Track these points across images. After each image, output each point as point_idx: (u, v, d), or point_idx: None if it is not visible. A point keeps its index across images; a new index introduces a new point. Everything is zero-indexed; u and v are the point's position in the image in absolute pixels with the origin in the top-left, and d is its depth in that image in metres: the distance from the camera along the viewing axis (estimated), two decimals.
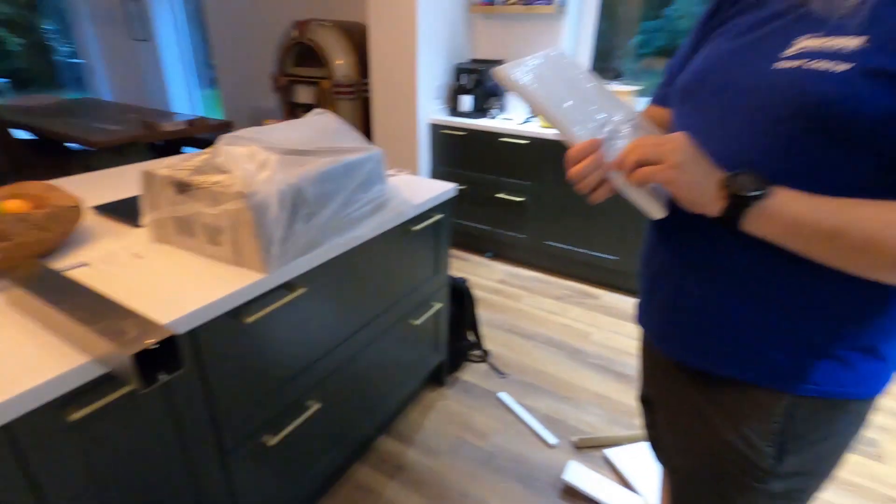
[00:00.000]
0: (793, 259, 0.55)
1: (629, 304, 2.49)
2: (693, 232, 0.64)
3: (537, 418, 1.72)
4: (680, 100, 0.68)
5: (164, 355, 0.66)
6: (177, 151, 3.50)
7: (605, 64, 2.86)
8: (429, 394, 1.84)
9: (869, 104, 0.48)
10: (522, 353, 2.08)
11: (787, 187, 0.52)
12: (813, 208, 0.50)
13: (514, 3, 2.64)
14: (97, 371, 0.70)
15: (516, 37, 2.85)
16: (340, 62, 2.96)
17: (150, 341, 0.63)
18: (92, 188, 1.40)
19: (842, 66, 0.49)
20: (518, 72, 0.66)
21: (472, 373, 1.96)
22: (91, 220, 1.17)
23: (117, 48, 5.09)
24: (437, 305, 1.64)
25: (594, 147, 0.60)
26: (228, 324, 0.91)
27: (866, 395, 0.62)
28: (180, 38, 4.90)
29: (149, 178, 0.99)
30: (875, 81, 0.47)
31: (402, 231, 1.35)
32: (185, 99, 5.12)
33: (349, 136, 1.19)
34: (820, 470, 0.66)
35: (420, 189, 1.45)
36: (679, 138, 0.56)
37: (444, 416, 1.73)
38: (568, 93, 0.67)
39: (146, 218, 1.04)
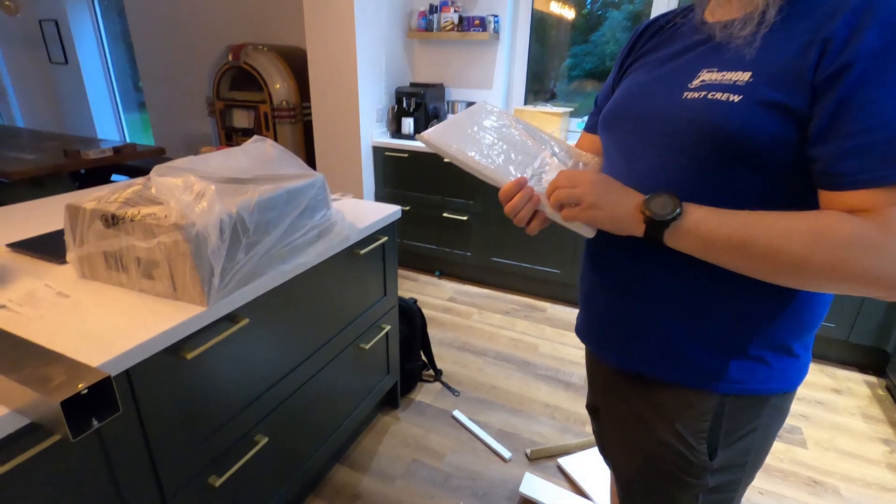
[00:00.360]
0: (708, 272, 0.61)
1: (573, 314, 2.58)
2: (616, 254, 0.70)
3: (491, 434, 1.74)
4: (605, 128, 0.74)
5: (97, 399, 0.63)
6: (104, 181, 3.30)
7: (541, 86, 3.00)
8: (383, 418, 1.82)
9: (759, 130, 0.55)
10: (474, 370, 2.11)
11: (698, 204, 0.58)
12: (723, 223, 0.56)
13: (450, 30, 2.73)
14: (20, 422, 0.65)
15: (454, 61, 2.94)
16: (279, 86, 2.93)
17: (81, 385, 0.60)
18: (7, 223, 1.30)
19: (736, 97, 0.56)
20: (442, 136, 0.69)
21: (425, 393, 1.96)
22: (6, 257, 1.09)
23: (32, 71, 4.77)
24: (387, 328, 1.64)
25: (520, 185, 0.65)
26: (167, 361, 0.87)
27: (784, 389, 0.68)
28: (104, 61, 4.67)
29: (74, 211, 0.94)
30: (763, 111, 0.54)
31: (349, 255, 1.35)
32: (111, 124, 4.86)
33: (290, 163, 1.19)
34: (749, 462, 0.72)
35: (365, 212, 1.45)
36: (588, 178, 0.62)
37: (399, 440, 1.71)
38: (493, 142, 0.72)
39: (71, 254, 0.99)
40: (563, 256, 2.55)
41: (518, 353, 2.24)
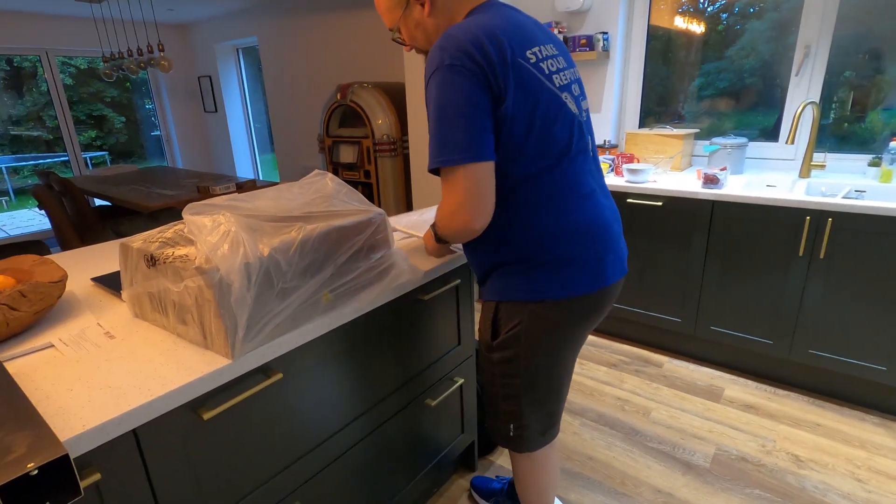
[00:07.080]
0: None
1: (696, 372, 2.14)
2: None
3: None
4: None
5: (56, 479, 0.53)
6: None
7: (665, 108, 2.66)
8: (458, 480, 1.61)
9: None
10: (569, 433, 1.81)
11: None
12: None
13: None
14: None
15: None
16: (381, 121, 2.98)
17: (31, 465, 0.51)
18: (105, 257, 1.38)
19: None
20: None
21: (507, 456, 1.71)
22: (86, 291, 1.13)
23: (190, 120, 5.56)
24: (461, 381, 1.44)
25: None
26: (186, 420, 0.79)
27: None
28: (245, 109, 5.28)
29: (125, 249, 0.92)
30: None
31: (413, 301, 1.20)
32: (248, 164, 5.44)
33: (350, 198, 1.08)
34: None
35: None
36: None
37: None
38: None
39: (125, 293, 0.97)
40: (686, 302, 2.14)
41: (625, 417, 1.88)
